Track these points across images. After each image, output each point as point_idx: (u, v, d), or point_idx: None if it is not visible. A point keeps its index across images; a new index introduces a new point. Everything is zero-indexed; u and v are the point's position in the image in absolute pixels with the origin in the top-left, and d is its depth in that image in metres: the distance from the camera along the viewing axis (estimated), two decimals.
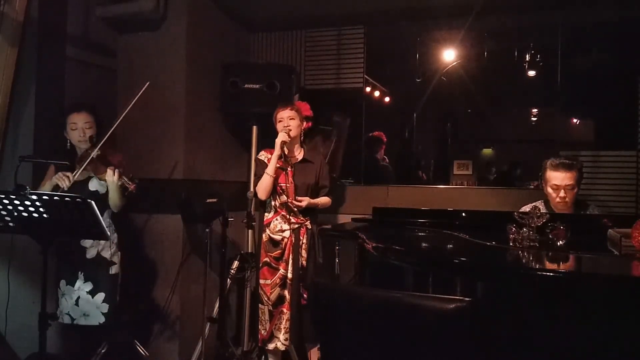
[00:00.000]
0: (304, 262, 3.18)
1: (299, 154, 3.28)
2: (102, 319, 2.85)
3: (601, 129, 4.00)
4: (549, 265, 1.88)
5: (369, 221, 3.13)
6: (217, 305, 3.44)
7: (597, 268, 1.87)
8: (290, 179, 3.15)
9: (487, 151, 5.87)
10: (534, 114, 5.37)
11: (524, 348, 1.58)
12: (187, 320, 3.61)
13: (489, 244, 2.12)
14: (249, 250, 3.61)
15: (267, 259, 3.20)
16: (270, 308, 3.16)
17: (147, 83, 2.89)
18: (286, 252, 3.17)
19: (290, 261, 3.15)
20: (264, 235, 3.24)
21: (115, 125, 2.86)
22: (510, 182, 5.10)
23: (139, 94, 2.86)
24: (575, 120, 4.45)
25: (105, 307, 2.86)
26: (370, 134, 4.76)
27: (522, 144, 5.55)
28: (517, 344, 1.59)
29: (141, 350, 3.22)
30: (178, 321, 3.56)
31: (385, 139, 4.80)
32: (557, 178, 2.82)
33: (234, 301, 3.89)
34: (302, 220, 3.19)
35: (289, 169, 3.15)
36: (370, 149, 4.72)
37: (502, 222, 2.11)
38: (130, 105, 2.85)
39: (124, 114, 2.85)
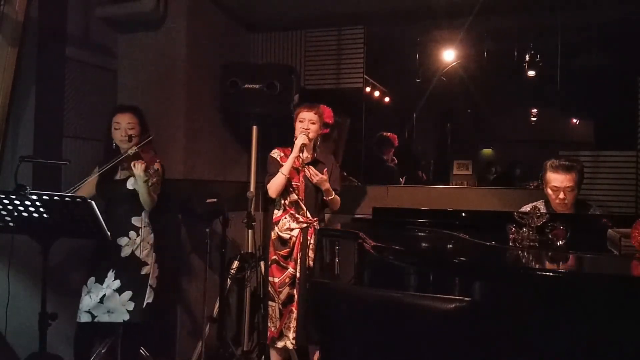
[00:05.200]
0: (311, 263, 3.19)
1: (311, 156, 3.30)
2: (127, 317, 2.86)
3: (601, 129, 3.99)
4: (548, 265, 1.88)
5: (369, 221, 3.13)
6: (217, 305, 3.44)
7: (597, 268, 1.86)
8: (302, 178, 3.19)
9: (487, 151, 5.86)
10: (534, 114, 5.36)
11: (523, 348, 1.58)
12: (187, 320, 3.61)
13: (489, 244, 2.12)
14: (249, 250, 3.61)
15: (275, 257, 3.21)
16: (281, 307, 3.17)
17: (151, 137, 3.00)
18: (294, 251, 3.17)
19: (299, 260, 3.16)
20: (272, 233, 3.25)
21: (147, 139, 2.96)
22: (510, 182, 5.09)
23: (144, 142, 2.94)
24: (575, 121, 4.45)
25: (131, 305, 2.87)
26: (383, 133, 4.72)
27: (522, 144, 5.53)
28: (517, 343, 1.59)
29: (141, 350, 3.22)
30: (178, 321, 3.56)
31: (396, 143, 4.75)
32: (557, 180, 2.82)
33: (234, 301, 3.88)
34: (310, 220, 3.20)
35: (301, 168, 3.18)
36: (379, 148, 4.69)
37: (502, 222, 2.11)
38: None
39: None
